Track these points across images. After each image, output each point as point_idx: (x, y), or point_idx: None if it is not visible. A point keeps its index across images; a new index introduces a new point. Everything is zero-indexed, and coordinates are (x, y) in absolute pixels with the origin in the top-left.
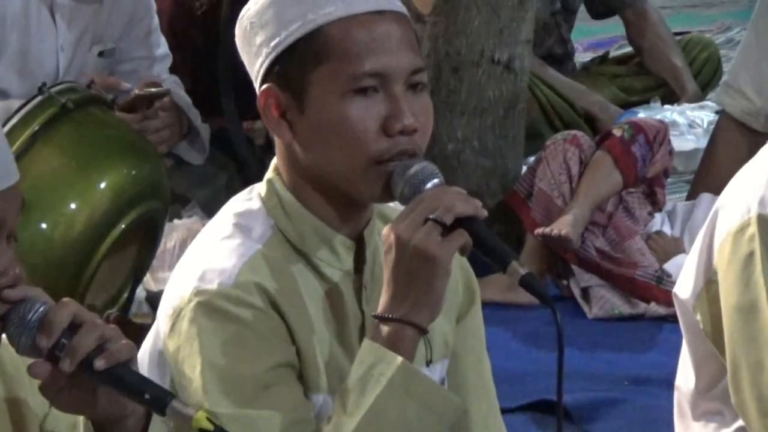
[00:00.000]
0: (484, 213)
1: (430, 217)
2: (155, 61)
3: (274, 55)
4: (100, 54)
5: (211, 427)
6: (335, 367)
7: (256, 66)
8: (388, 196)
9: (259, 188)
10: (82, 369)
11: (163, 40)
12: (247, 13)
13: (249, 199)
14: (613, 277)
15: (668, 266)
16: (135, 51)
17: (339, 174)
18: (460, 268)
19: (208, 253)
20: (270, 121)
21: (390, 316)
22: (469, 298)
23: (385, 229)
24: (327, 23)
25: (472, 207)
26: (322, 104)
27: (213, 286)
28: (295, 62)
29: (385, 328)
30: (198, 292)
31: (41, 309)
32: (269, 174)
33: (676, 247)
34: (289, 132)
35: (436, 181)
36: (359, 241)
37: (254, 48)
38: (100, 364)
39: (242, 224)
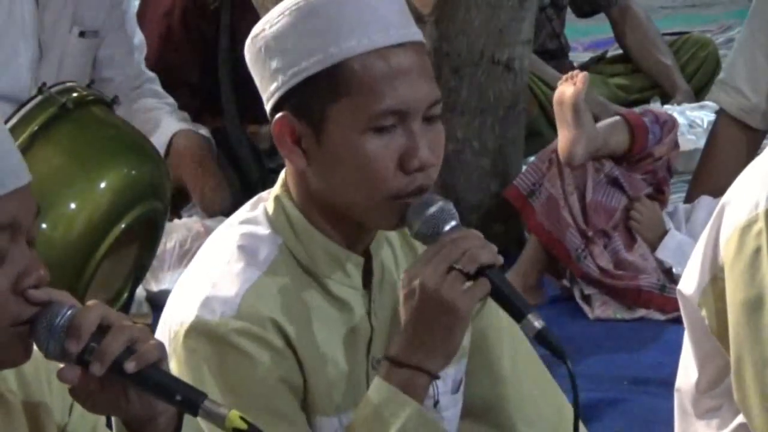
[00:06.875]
0: (501, 260)
1: (455, 266)
2: (133, 49)
3: (292, 83)
4: (81, 34)
5: (244, 426)
6: (344, 386)
7: (269, 89)
8: (401, 226)
9: (266, 204)
10: (112, 372)
11: (138, 29)
12: (261, 33)
13: (255, 216)
14: (616, 292)
15: (660, 252)
16: (112, 37)
17: (353, 206)
18: None
19: (212, 277)
20: (284, 148)
21: (405, 361)
22: None
23: (405, 274)
24: (349, 57)
25: (492, 255)
26: (341, 139)
27: (215, 317)
28: (315, 94)
29: (398, 372)
30: (200, 322)
31: (68, 313)
32: (277, 190)
33: (658, 221)
34: (303, 159)
35: (453, 223)
36: (366, 255)
37: (268, 71)
38: (130, 366)
39: (247, 246)
